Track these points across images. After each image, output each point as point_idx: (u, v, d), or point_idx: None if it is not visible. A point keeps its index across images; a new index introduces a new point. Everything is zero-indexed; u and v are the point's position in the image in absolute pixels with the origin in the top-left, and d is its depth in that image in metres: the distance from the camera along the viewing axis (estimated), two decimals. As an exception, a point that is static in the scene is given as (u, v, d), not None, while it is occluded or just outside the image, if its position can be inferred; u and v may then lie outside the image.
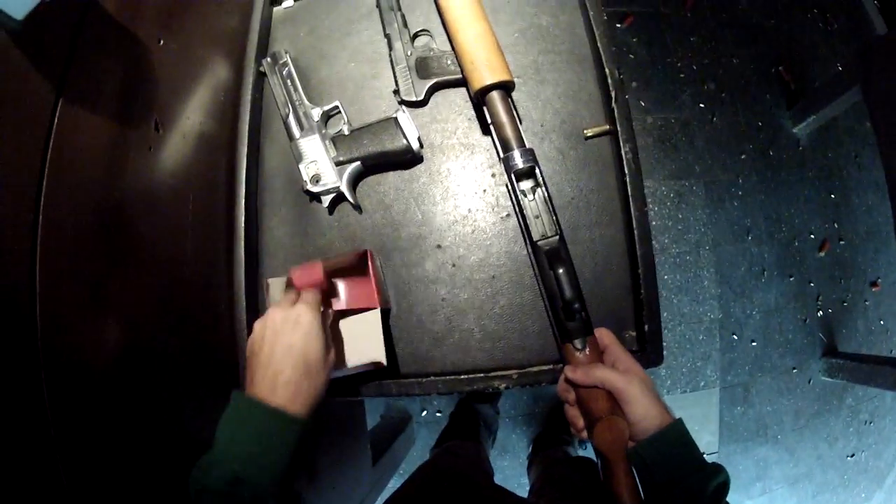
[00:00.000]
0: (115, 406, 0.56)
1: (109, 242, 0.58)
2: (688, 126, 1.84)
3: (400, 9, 0.76)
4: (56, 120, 0.52)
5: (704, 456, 0.52)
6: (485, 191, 0.73)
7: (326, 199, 0.72)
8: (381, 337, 0.61)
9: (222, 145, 0.78)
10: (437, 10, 0.75)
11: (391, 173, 0.74)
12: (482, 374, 0.68)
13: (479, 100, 0.68)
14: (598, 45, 0.73)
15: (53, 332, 0.49)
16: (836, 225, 1.93)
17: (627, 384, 0.53)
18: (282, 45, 0.81)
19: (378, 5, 0.77)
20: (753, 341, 1.82)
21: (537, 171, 0.62)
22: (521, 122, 0.72)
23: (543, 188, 0.62)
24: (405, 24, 0.76)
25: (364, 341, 0.62)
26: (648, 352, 0.67)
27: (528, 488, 1.25)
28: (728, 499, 0.50)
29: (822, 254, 1.89)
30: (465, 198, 0.73)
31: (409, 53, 0.74)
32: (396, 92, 0.74)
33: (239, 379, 0.71)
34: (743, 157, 1.86)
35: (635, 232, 0.68)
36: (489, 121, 0.66)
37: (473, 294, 0.71)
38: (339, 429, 1.02)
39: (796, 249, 1.87)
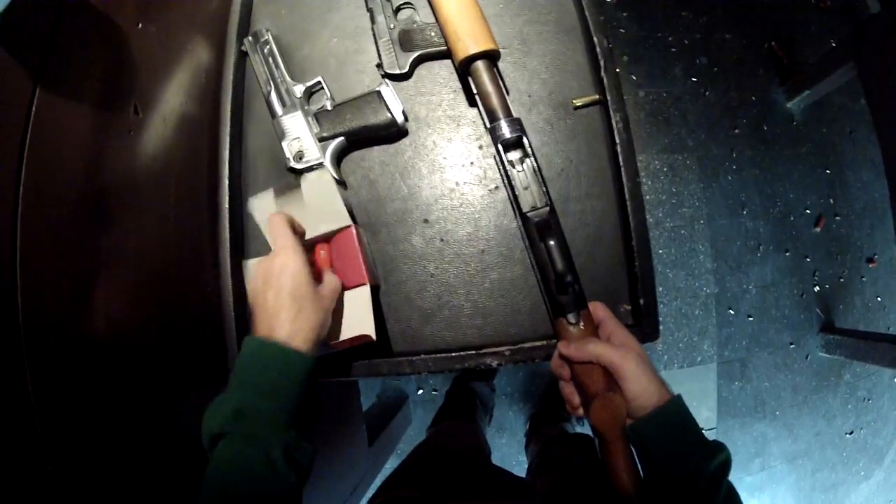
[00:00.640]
0: (104, 400, 0.55)
1: (92, 231, 0.56)
2: (680, 100, 1.83)
3: (382, -19, 0.74)
4: (34, 109, 0.50)
5: (704, 431, 0.51)
6: (472, 163, 0.71)
7: (310, 176, 0.71)
8: (371, 311, 0.60)
9: (205, 126, 0.76)
10: (419, -19, 0.73)
11: (376, 148, 0.73)
12: (473, 352, 0.66)
13: (464, 70, 0.66)
14: (586, 13, 0.72)
15: (37, 327, 0.48)
16: (831, 200, 1.92)
17: (623, 359, 0.51)
18: (263, 24, 0.80)
19: (360, -22, 0.75)
20: (750, 316, 1.81)
21: (525, 140, 0.61)
22: (507, 93, 0.70)
23: (532, 158, 0.61)
24: (387, -3, 0.74)
25: (353, 316, 0.61)
26: (644, 326, 0.66)
27: (526, 466, 1.24)
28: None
29: (818, 229, 1.89)
30: (451, 171, 0.71)
31: (392, 27, 0.72)
32: (380, 66, 0.72)
33: (227, 363, 0.69)
34: (736, 131, 1.85)
35: (628, 203, 0.66)
36: (475, 91, 0.65)
37: (462, 269, 0.69)
38: (333, 411, 1.02)
39: (792, 224, 1.87)
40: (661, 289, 1.74)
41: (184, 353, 0.68)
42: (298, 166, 0.70)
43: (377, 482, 1.16)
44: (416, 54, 0.72)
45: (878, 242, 1.95)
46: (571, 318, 0.57)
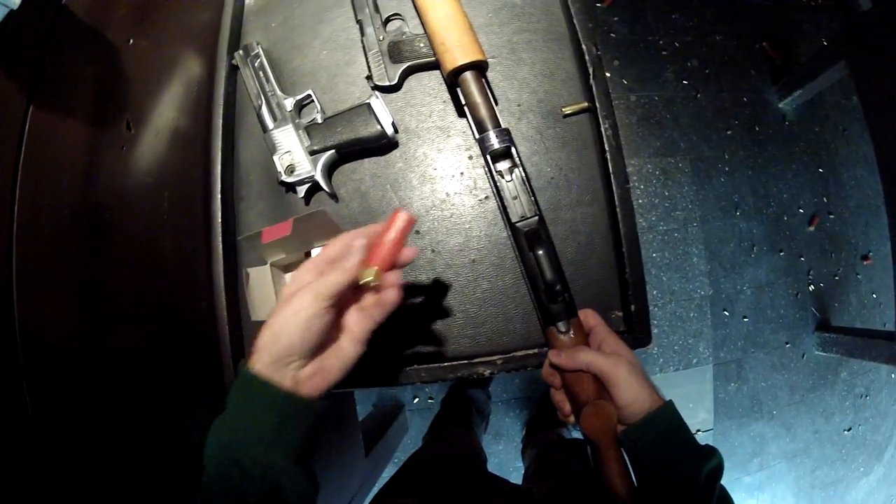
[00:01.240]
0: (99, 409, 0.55)
1: (86, 245, 0.57)
2: (672, 103, 1.84)
3: (371, -7, 0.75)
4: (27, 127, 0.51)
5: (700, 433, 0.51)
6: (462, 173, 0.71)
7: (302, 190, 0.71)
8: None
9: (197, 140, 0.77)
10: (407, -7, 0.73)
11: (366, 160, 0.73)
12: (466, 361, 0.67)
13: (453, 81, 0.66)
14: (575, 21, 0.72)
15: (33, 338, 0.48)
16: (825, 199, 1.93)
17: (614, 367, 0.52)
18: (254, 37, 0.80)
19: (349, -9, 0.76)
20: (745, 317, 1.82)
21: (513, 150, 0.61)
22: (496, 103, 0.70)
23: (520, 168, 0.61)
24: (377, 9, 0.74)
25: None
26: (636, 332, 0.66)
27: (522, 472, 1.24)
28: (725, 475, 0.49)
29: (812, 228, 1.90)
30: (442, 181, 0.71)
31: (381, 38, 0.73)
32: (369, 78, 0.73)
33: (223, 375, 0.70)
34: (729, 132, 1.86)
35: (618, 210, 0.67)
36: (463, 102, 0.65)
37: (454, 279, 0.69)
38: (329, 422, 1.01)
39: (786, 224, 1.88)
40: (655, 292, 1.75)
41: (179, 365, 0.68)
42: (290, 180, 0.70)
43: (374, 491, 1.17)
44: (405, 66, 0.72)
45: (872, 239, 1.96)
46: (562, 326, 0.57)
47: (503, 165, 0.62)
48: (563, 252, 0.68)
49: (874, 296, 1.96)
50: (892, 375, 1.98)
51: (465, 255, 0.70)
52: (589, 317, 0.59)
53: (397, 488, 0.77)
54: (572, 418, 0.56)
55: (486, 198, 0.70)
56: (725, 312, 1.80)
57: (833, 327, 1.87)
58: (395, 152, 0.73)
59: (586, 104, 0.71)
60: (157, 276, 0.68)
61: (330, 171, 0.72)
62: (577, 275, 0.68)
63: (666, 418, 0.51)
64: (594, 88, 0.70)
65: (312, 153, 0.70)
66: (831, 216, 1.93)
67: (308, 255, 0.65)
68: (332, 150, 0.70)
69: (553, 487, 0.81)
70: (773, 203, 1.87)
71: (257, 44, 0.76)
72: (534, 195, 0.60)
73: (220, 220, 0.72)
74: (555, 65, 0.74)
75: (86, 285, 0.56)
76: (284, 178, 0.70)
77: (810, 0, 2.05)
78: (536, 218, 0.59)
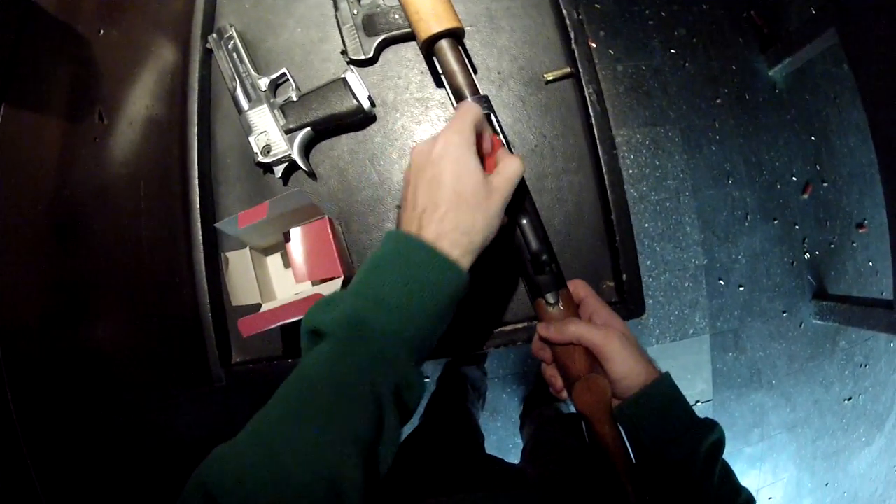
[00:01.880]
0: (82, 405, 0.54)
1: (62, 240, 0.55)
2: (660, 73, 1.81)
3: (344, -34, 0.72)
4: (0, 123, 0.49)
5: (699, 404, 0.50)
6: (443, 146, 0.70)
7: (279, 170, 0.69)
8: None
9: (172, 127, 0.75)
10: (380, -37, 0.71)
11: (344, 136, 0.71)
12: (454, 338, 0.65)
13: (429, 51, 0.64)
14: (554, -15, 0.70)
15: (12, 339, 0.47)
16: (818, 167, 1.91)
17: (605, 339, 0.49)
18: (227, 20, 0.78)
19: (320, -36, 0.73)
20: (741, 286, 1.81)
21: (493, 117, 0.59)
22: (475, 72, 0.69)
23: (502, 136, 0.59)
24: (350, -18, 0.72)
25: None
26: (628, 302, 0.65)
27: (521, 448, 1.24)
28: (726, 446, 0.47)
29: (806, 196, 1.88)
30: (422, 155, 0.70)
31: (355, 12, 0.71)
32: (344, 52, 0.71)
33: (208, 364, 0.68)
34: (718, 101, 1.84)
35: (605, 177, 0.65)
36: (440, 71, 0.63)
37: (439, 254, 0.68)
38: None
39: (779, 192, 1.86)
40: (649, 262, 1.74)
41: (162, 356, 0.67)
42: (267, 160, 0.68)
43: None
44: (380, 38, 0.70)
45: (867, 207, 1.95)
46: (550, 298, 0.55)
47: (484, 134, 0.60)
48: (550, 222, 0.67)
49: (870, 264, 1.95)
50: (892, 344, 1.98)
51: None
52: (579, 287, 0.57)
53: (391, 474, 0.76)
54: (565, 394, 0.54)
55: (469, 169, 0.69)
56: (721, 282, 1.80)
57: (830, 296, 1.87)
58: (373, 126, 0.71)
59: (569, 70, 0.69)
60: (136, 266, 0.66)
61: (307, 149, 0.71)
62: (565, 245, 0.67)
63: (662, 391, 0.49)
64: (576, 53, 0.68)
65: (288, 132, 0.68)
66: (825, 184, 1.91)
67: (287, 236, 0.63)
68: (308, 128, 0.68)
69: (548, 467, 0.80)
70: (766, 171, 1.86)
71: (231, 26, 0.74)
72: (516, 162, 0.58)
73: (198, 206, 0.71)
74: (535, 31, 0.72)
75: (62, 280, 0.54)
76: (261, 158, 0.68)
77: (797, -32, 2.02)
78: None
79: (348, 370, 0.38)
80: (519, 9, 0.73)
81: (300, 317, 0.56)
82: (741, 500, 0.47)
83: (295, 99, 0.69)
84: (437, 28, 0.62)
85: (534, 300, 0.57)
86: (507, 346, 0.65)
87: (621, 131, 1.75)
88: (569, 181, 0.68)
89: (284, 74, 0.72)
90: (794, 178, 1.88)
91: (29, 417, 0.47)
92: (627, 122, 1.77)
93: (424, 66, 0.71)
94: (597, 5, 1.81)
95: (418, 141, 0.70)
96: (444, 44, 0.62)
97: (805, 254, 1.88)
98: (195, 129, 0.73)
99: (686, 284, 1.77)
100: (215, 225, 0.66)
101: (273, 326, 0.58)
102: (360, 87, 0.67)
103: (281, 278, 0.70)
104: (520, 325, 0.65)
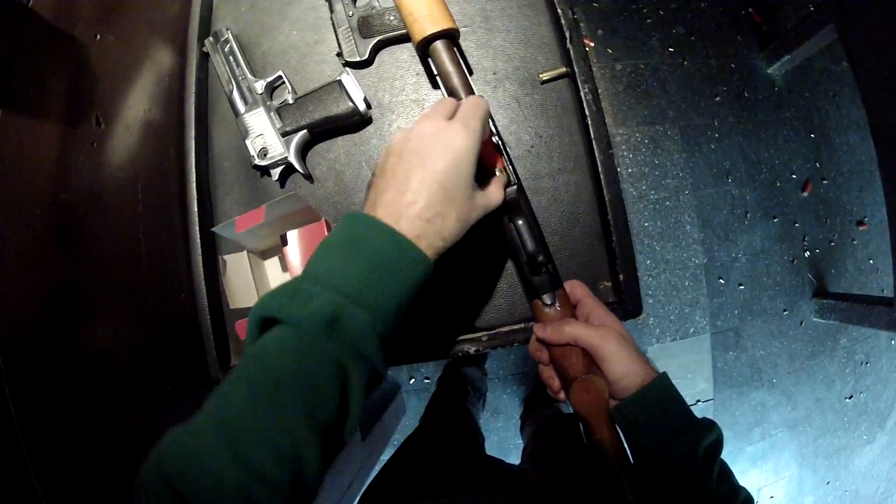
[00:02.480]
0: (80, 408, 0.54)
1: (60, 244, 0.56)
2: (658, 71, 1.81)
3: (339, -31, 0.72)
4: None
5: (700, 403, 0.49)
6: (439, 147, 0.70)
7: (276, 172, 0.69)
8: None
9: (170, 131, 0.76)
10: (374, -35, 0.71)
11: (340, 138, 0.71)
12: (451, 339, 0.65)
13: (424, 52, 0.64)
14: (549, -15, 0.70)
15: (12, 342, 0.47)
16: (817, 165, 1.91)
17: (602, 340, 0.49)
18: (223, 23, 0.78)
19: (316, -33, 0.74)
20: (741, 285, 1.81)
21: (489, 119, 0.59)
22: (471, 73, 0.69)
23: (497, 136, 0.59)
24: (345, -16, 0.72)
25: None
26: (626, 303, 0.65)
27: (522, 448, 1.24)
28: (727, 445, 0.47)
29: (806, 194, 1.88)
30: (419, 156, 0.70)
31: (350, 14, 0.71)
32: (340, 54, 0.71)
33: (207, 367, 0.68)
34: (717, 99, 1.84)
35: (602, 176, 0.65)
36: (435, 72, 0.63)
37: (435, 255, 0.68)
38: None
39: (779, 190, 1.86)
40: (648, 262, 1.74)
41: (161, 359, 0.67)
42: (263, 163, 0.68)
43: (374, 474, 1.16)
44: (375, 40, 0.70)
45: (867, 205, 1.94)
46: (547, 298, 0.55)
47: (479, 135, 0.60)
48: (547, 222, 0.67)
49: (871, 262, 1.95)
50: (893, 342, 1.97)
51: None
52: (575, 288, 0.57)
53: (391, 475, 0.76)
54: (562, 395, 0.54)
55: (465, 170, 0.69)
56: (721, 281, 1.79)
57: (831, 294, 1.86)
58: (370, 129, 0.71)
59: (564, 69, 0.69)
60: (134, 269, 0.67)
61: (303, 151, 0.71)
62: (561, 245, 0.67)
63: (659, 392, 0.49)
64: (572, 53, 0.68)
65: (285, 134, 0.68)
66: (825, 182, 1.91)
67: (284, 239, 0.63)
68: (305, 130, 0.68)
69: (549, 467, 0.80)
70: (766, 169, 1.85)
71: (227, 29, 0.74)
72: (512, 164, 0.58)
73: (196, 209, 0.71)
74: (530, 31, 0.72)
75: (60, 284, 0.55)
76: (258, 161, 0.69)
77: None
78: (515, 187, 0.58)
79: (319, 366, 0.37)
80: (514, 9, 0.73)
81: None
82: (740, 500, 0.47)
83: (291, 101, 0.69)
84: (431, 29, 0.62)
85: (530, 301, 0.57)
86: (505, 347, 0.65)
87: (620, 130, 1.75)
88: (565, 181, 0.68)
89: (280, 77, 0.72)
90: (794, 176, 1.88)
91: (28, 418, 0.47)
92: (626, 120, 1.77)
93: (420, 68, 0.71)
94: (595, 4, 1.81)
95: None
96: (439, 45, 0.62)
97: (805, 252, 1.87)
98: (192, 133, 0.73)
99: (686, 283, 1.77)
100: (213, 229, 0.66)
101: None
102: (355, 89, 0.67)
103: (278, 281, 0.70)
104: (517, 326, 0.65)
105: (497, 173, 0.54)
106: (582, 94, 0.66)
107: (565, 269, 0.61)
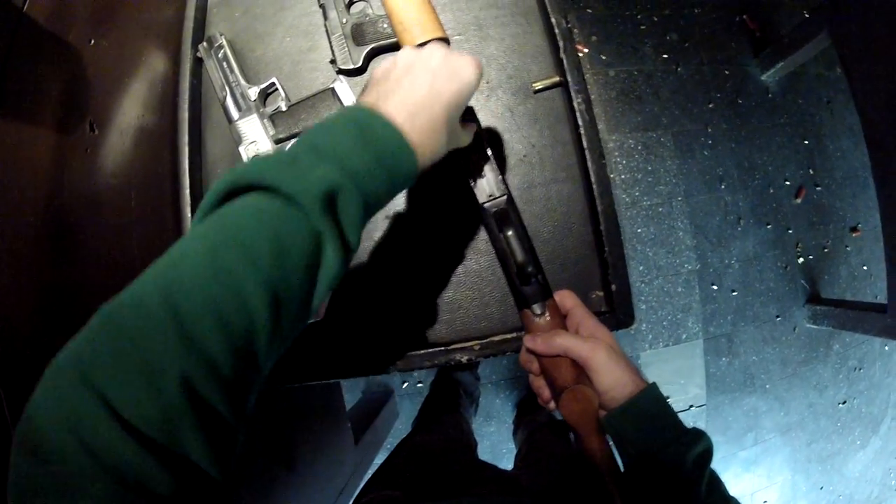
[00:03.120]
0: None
1: (52, 250, 0.56)
2: (651, 77, 1.82)
3: (333, -24, 0.73)
4: None
5: (692, 409, 0.50)
6: (431, 156, 0.70)
7: (268, 180, 0.69)
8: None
9: (163, 136, 0.75)
10: (367, -26, 0.71)
11: (333, 146, 0.71)
12: (442, 348, 0.65)
13: (415, 60, 0.65)
14: (543, -6, 0.70)
15: (5, 345, 0.47)
16: (811, 171, 1.92)
17: (592, 351, 0.50)
18: (217, 28, 0.78)
19: (310, -26, 0.74)
20: (734, 291, 1.81)
21: (477, 128, 0.59)
22: (463, 82, 0.69)
23: (487, 147, 0.59)
24: (339, -8, 0.72)
25: None
26: (618, 313, 0.65)
27: (515, 453, 1.24)
28: (720, 451, 0.48)
29: (799, 200, 1.89)
30: (410, 164, 0.70)
31: (344, 21, 0.71)
32: (333, 62, 0.71)
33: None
34: (711, 105, 1.84)
35: (594, 187, 0.65)
36: (428, 82, 0.63)
37: (426, 263, 0.68)
38: (315, 414, 1.01)
39: (772, 196, 1.86)
40: (641, 268, 1.74)
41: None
42: (255, 170, 0.68)
43: (367, 478, 1.16)
44: (368, 48, 0.70)
45: (860, 211, 1.95)
46: (537, 308, 0.55)
47: (469, 144, 0.60)
48: (539, 232, 0.67)
49: (864, 268, 1.96)
50: (886, 347, 1.98)
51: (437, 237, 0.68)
52: (566, 298, 0.57)
53: (382, 480, 0.76)
54: (552, 404, 0.54)
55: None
56: (714, 286, 1.80)
57: (824, 300, 1.87)
58: (362, 137, 0.71)
59: (558, 79, 0.69)
60: (128, 275, 0.66)
61: (296, 159, 0.71)
62: (554, 255, 0.67)
63: (648, 402, 0.49)
64: (565, 62, 0.68)
65: (278, 142, 0.69)
66: (818, 188, 1.92)
67: None
68: (297, 138, 0.68)
69: (540, 474, 0.80)
70: (759, 175, 1.86)
71: (221, 35, 0.74)
72: (502, 174, 0.58)
73: (189, 215, 0.71)
74: (524, 40, 0.72)
75: (52, 291, 0.55)
76: (250, 168, 0.68)
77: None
78: (504, 197, 0.58)
79: (299, 240, 0.34)
80: (507, 17, 0.73)
81: None
82: None
83: (284, 109, 0.69)
84: (420, 38, 0.62)
85: (520, 311, 0.57)
86: (496, 356, 0.65)
87: (613, 136, 1.75)
88: (557, 191, 0.68)
89: (274, 84, 0.72)
90: (787, 182, 1.88)
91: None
92: (619, 126, 1.77)
93: (412, 76, 0.71)
94: (588, 10, 1.81)
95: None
96: (430, 54, 0.63)
97: (798, 258, 1.88)
98: (186, 139, 0.73)
99: (679, 289, 1.77)
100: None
101: None
102: (349, 96, 0.67)
103: None
104: (509, 336, 0.65)
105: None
106: (575, 103, 0.66)
107: (557, 279, 0.61)
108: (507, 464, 0.90)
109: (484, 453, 1.62)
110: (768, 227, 1.85)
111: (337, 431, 1.10)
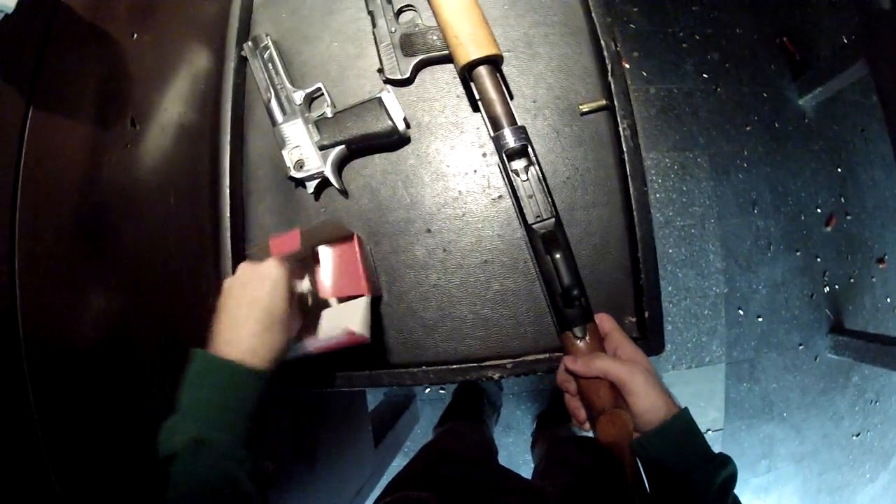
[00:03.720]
0: (104, 407, 0.54)
1: (89, 245, 0.56)
2: (691, 97, 1.79)
3: (383, -17, 0.73)
4: (27, 126, 0.50)
5: (710, 433, 0.50)
6: (475, 171, 0.70)
7: (311, 185, 0.70)
8: (368, 314, 0.58)
9: (204, 135, 0.76)
10: (420, -16, 0.71)
11: (377, 156, 0.71)
12: (475, 364, 0.65)
13: (466, 76, 0.65)
14: (593, 15, 0.70)
15: (36, 339, 0.48)
16: (842, 199, 1.89)
17: (631, 375, 0.50)
18: (263, 29, 0.78)
19: (360, -20, 0.74)
20: (759, 317, 1.79)
21: (530, 149, 0.59)
22: (511, 98, 0.69)
23: (537, 167, 0.59)
24: (389, 0, 0.72)
25: (349, 318, 0.59)
26: (649, 339, 0.65)
27: (532, 466, 1.23)
28: None
29: (829, 228, 1.86)
30: (454, 179, 0.70)
31: (393, 30, 0.71)
32: (381, 71, 0.71)
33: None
34: (748, 128, 1.82)
35: (635, 214, 0.65)
36: (477, 97, 0.63)
37: (465, 279, 0.68)
38: (338, 415, 1.01)
39: (803, 223, 1.84)
40: (670, 288, 1.72)
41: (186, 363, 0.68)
42: (299, 175, 0.69)
43: (384, 482, 1.17)
44: (417, 59, 0.70)
45: (888, 242, 1.92)
46: (578, 331, 0.56)
47: (519, 164, 0.60)
48: (578, 254, 0.66)
49: (888, 300, 1.92)
50: (904, 382, 1.95)
51: (476, 255, 0.68)
52: (604, 321, 0.58)
53: (408, 482, 0.76)
54: (587, 425, 0.55)
55: (500, 197, 0.69)
56: (740, 311, 1.77)
57: (846, 330, 1.84)
58: (407, 148, 0.71)
59: (605, 102, 0.69)
60: (162, 272, 0.67)
61: (340, 166, 0.71)
62: (590, 278, 0.67)
63: (681, 427, 0.50)
64: (612, 86, 0.68)
65: (322, 148, 0.69)
66: (848, 217, 1.89)
67: (316, 255, 0.64)
68: (343, 146, 0.68)
69: (569, 486, 0.80)
70: (791, 201, 1.83)
71: (266, 35, 0.74)
72: (550, 196, 0.58)
73: (228, 216, 0.71)
74: (572, 60, 0.72)
75: (90, 284, 0.55)
76: (294, 173, 0.69)
77: (830, -4, 1.99)
78: (553, 220, 0.58)
79: (210, 483, 0.45)
80: (557, 36, 0.73)
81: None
82: None
83: (330, 115, 0.70)
84: (476, 54, 0.62)
85: (561, 332, 0.57)
86: (527, 375, 0.65)
87: (650, 154, 1.74)
88: (598, 214, 0.68)
89: (320, 89, 0.72)
90: (819, 210, 1.85)
91: (49, 420, 0.48)
92: (657, 145, 1.75)
93: (460, 90, 0.71)
94: (632, 25, 1.79)
95: (451, 165, 0.70)
96: (483, 70, 0.63)
97: (825, 287, 1.85)
98: (227, 138, 0.73)
99: (705, 312, 1.75)
100: (247, 252, 0.66)
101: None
102: (395, 107, 0.67)
103: (305, 289, 0.70)
104: (543, 356, 0.65)
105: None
106: (621, 129, 0.66)
107: (592, 302, 0.61)
108: (524, 475, 0.90)
109: (501, 463, 1.62)
110: (797, 253, 1.82)
111: (358, 433, 1.11)
